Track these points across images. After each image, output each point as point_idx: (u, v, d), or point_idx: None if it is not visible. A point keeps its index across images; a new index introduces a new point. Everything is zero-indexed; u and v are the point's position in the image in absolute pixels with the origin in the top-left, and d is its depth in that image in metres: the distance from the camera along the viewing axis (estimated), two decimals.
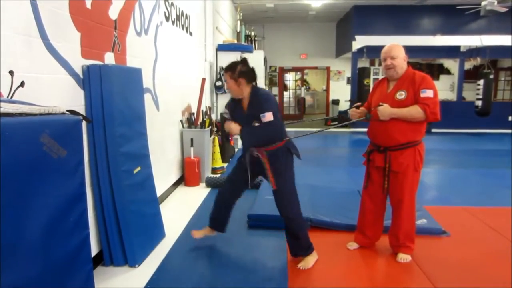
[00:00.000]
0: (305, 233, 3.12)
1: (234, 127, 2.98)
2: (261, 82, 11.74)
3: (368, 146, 3.26)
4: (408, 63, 3.09)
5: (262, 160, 2.99)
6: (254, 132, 2.93)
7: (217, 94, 7.89)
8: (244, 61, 2.99)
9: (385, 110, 2.96)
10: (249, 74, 2.95)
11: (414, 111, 2.90)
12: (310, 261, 3.09)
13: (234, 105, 3.09)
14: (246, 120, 2.95)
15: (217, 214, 3.36)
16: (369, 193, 3.25)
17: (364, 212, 3.32)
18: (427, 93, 2.90)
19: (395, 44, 3.07)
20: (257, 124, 2.88)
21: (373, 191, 3.22)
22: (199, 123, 5.78)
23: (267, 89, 12.32)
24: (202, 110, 6.06)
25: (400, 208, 3.10)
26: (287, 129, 3.08)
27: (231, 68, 2.95)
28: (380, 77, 13.46)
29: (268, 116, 2.82)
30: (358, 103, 3.28)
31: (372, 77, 11.76)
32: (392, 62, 3.00)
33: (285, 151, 2.99)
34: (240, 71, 2.91)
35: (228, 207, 3.33)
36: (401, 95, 2.98)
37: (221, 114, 3.10)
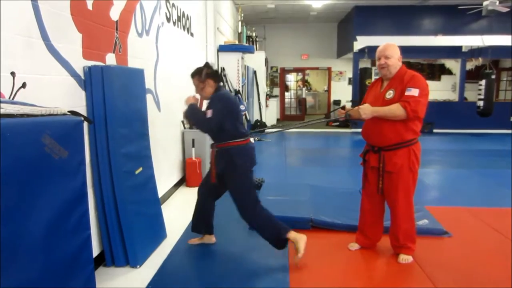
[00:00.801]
0: (269, 236, 3.16)
1: (190, 98, 3.24)
2: (262, 83, 11.77)
3: (364, 146, 3.26)
4: (404, 62, 3.09)
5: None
6: (193, 111, 3.15)
7: None
8: (207, 64, 3.20)
9: (366, 108, 2.95)
10: (215, 75, 3.19)
11: (395, 109, 2.89)
12: (300, 246, 3.03)
13: None
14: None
15: (197, 218, 3.43)
16: (367, 194, 3.25)
17: (363, 212, 3.32)
18: (412, 92, 2.88)
19: (390, 44, 3.07)
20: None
21: (370, 191, 3.22)
22: None
23: (265, 89, 12.33)
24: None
25: (396, 208, 3.09)
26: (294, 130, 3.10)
27: (198, 72, 3.18)
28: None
29: (208, 113, 3.03)
30: (344, 105, 3.28)
31: (373, 77, 11.74)
32: (386, 62, 3.00)
33: (226, 154, 3.09)
34: (206, 74, 3.14)
35: (206, 209, 3.40)
36: (389, 94, 2.98)
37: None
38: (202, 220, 3.41)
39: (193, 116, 3.16)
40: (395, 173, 3.01)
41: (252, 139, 10.05)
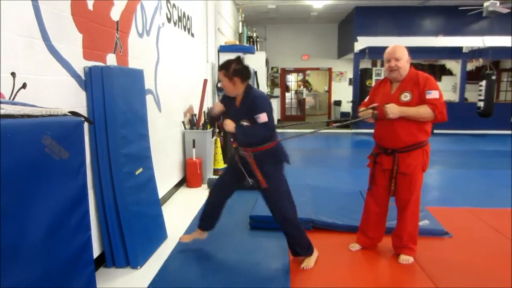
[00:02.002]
0: (302, 235, 3.11)
1: (229, 123, 2.94)
2: (263, 83, 11.75)
3: (374, 149, 3.22)
4: (411, 64, 3.07)
5: (248, 161, 2.98)
6: (247, 132, 2.90)
7: (219, 95, 7.89)
8: (238, 59, 2.96)
9: (394, 107, 2.91)
10: (243, 73, 2.93)
11: (423, 111, 2.89)
12: (311, 260, 3.10)
13: (228, 100, 3.07)
14: (238, 116, 2.94)
15: (207, 214, 3.34)
16: (374, 195, 3.23)
17: (368, 213, 3.30)
18: (433, 94, 2.89)
19: (399, 46, 3.03)
20: (245, 123, 2.89)
21: (377, 193, 3.20)
22: (201, 124, 5.78)
23: (265, 90, 12.36)
24: (204, 111, 6.06)
25: (406, 209, 3.10)
26: (285, 131, 3.05)
27: (225, 66, 2.93)
28: (382, 78, 13.43)
29: (263, 117, 2.83)
30: (375, 104, 3.06)
31: (374, 78, 11.73)
32: (396, 64, 2.96)
33: (273, 154, 2.97)
34: (234, 70, 2.89)
35: (219, 207, 3.31)
36: (405, 97, 2.95)
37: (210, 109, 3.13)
38: (213, 219, 3.35)
39: (248, 133, 2.90)
40: (408, 174, 3.01)
41: None
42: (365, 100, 3.29)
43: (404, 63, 2.98)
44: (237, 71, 2.90)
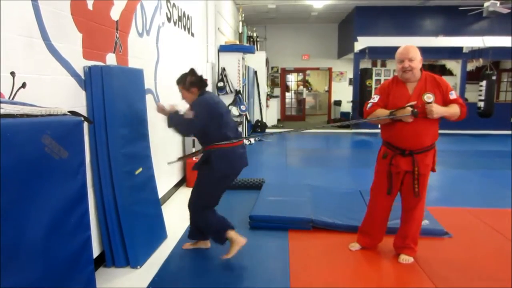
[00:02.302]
0: (208, 229, 3.23)
1: (161, 106, 3.25)
2: (263, 83, 11.77)
3: (386, 150, 3.11)
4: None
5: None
6: (176, 115, 3.12)
7: (219, 94, 7.89)
8: (192, 71, 3.19)
9: (439, 107, 2.89)
10: (199, 83, 3.17)
11: (454, 110, 2.93)
12: (233, 248, 3.15)
13: None
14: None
15: (194, 225, 3.38)
16: (385, 197, 3.16)
17: (376, 214, 3.26)
18: (454, 95, 2.95)
19: (411, 46, 2.99)
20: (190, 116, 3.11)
21: (391, 194, 3.15)
22: None
23: (265, 89, 12.37)
24: None
25: (415, 209, 3.09)
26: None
27: (182, 80, 3.17)
28: (383, 78, 13.45)
29: (191, 116, 3.05)
30: (413, 102, 2.94)
31: (374, 78, 11.72)
32: (410, 65, 2.92)
33: (207, 156, 3.11)
34: (190, 82, 3.13)
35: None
36: (429, 98, 2.90)
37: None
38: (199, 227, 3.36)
39: (177, 120, 3.12)
40: (423, 175, 3.00)
41: (252, 140, 10.01)
42: (375, 101, 3.11)
43: (417, 63, 2.95)
44: (193, 83, 3.14)
